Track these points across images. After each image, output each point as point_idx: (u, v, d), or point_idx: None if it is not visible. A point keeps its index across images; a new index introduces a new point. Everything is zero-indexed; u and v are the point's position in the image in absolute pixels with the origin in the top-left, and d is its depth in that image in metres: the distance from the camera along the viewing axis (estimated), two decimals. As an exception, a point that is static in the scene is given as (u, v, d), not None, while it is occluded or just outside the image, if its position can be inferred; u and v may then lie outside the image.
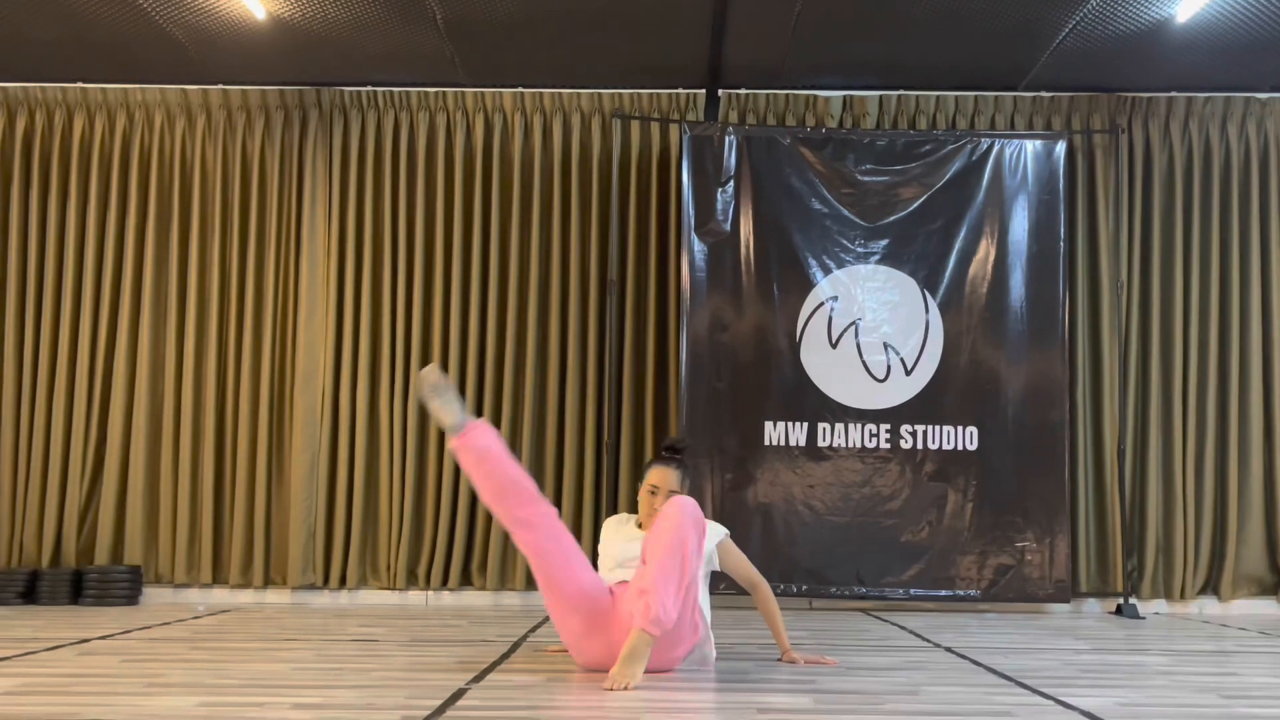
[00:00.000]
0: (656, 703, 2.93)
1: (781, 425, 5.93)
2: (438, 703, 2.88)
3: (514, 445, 6.16)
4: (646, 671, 3.25)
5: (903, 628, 5.02)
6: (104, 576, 5.94)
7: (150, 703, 2.85)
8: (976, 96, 6.30)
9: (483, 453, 3.36)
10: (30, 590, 5.93)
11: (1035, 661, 3.89)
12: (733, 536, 3.82)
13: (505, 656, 3.82)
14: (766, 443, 5.92)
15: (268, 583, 6.14)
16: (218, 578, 6.16)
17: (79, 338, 6.22)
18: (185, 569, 6.12)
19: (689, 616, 3.40)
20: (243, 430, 6.18)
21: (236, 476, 6.16)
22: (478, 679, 3.30)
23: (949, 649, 4.23)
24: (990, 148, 6.06)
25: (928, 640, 4.52)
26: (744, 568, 3.83)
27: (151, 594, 6.10)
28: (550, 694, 3.06)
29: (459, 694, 3.01)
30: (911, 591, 5.86)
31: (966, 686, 3.29)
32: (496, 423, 6.18)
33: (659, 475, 3.76)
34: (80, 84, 6.32)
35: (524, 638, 4.44)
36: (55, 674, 3.35)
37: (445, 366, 6.19)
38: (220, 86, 6.32)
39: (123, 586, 5.94)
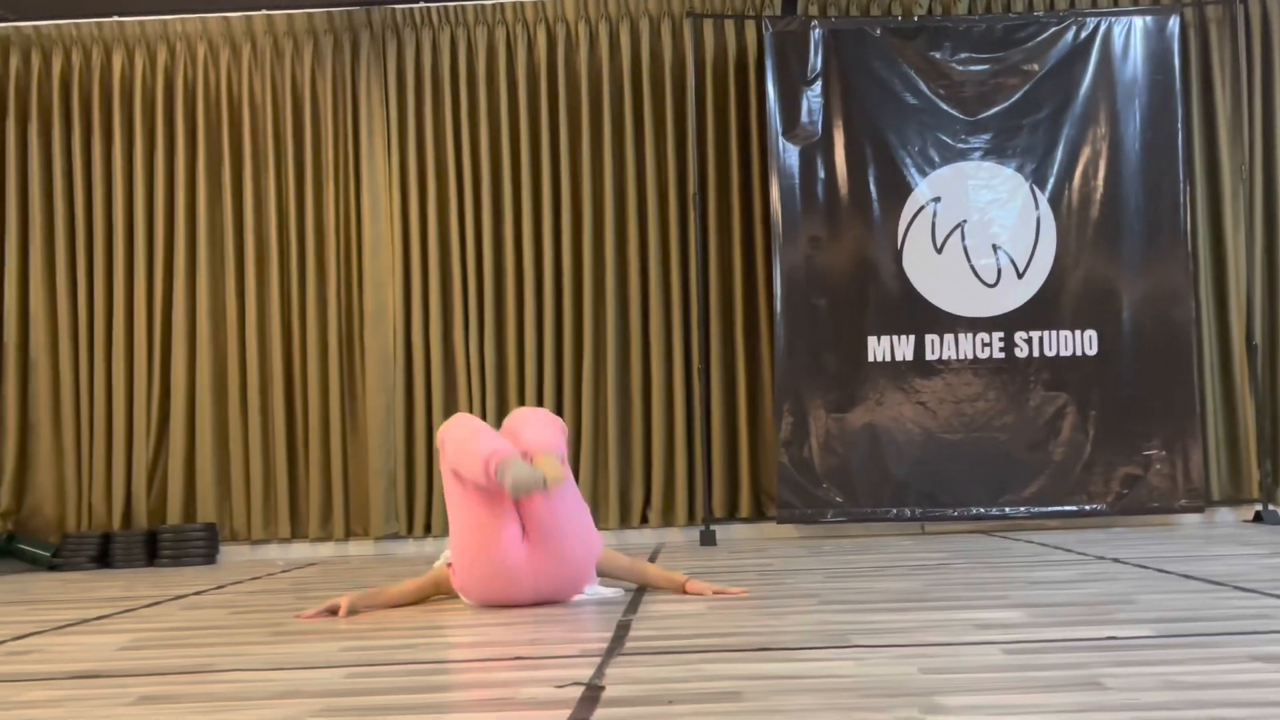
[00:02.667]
0: (862, 624, 2.58)
1: (886, 340, 5.53)
2: (608, 634, 2.54)
3: (598, 377, 5.81)
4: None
5: (1043, 544, 4.66)
6: (179, 536, 5.65)
7: (287, 649, 2.52)
8: (1077, -26, 5.83)
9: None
10: (103, 554, 5.64)
11: (1226, 567, 3.52)
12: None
13: (641, 589, 3.48)
14: (871, 359, 5.53)
15: (349, 534, 5.84)
16: (296, 532, 5.85)
17: (134, 288, 5.88)
18: (261, 524, 5.82)
19: (579, 510, 3.20)
20: (312, 376, 5.84)
21: (309, 425, 5.83)
22: (631, 610, 2.97)
23: (1116, 559, 3.87)
24: (1096, 28, 5.59)
25: (1084, 554, 4.15)
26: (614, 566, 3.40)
27: (228, 552, 5.80)
28: (724, 619, 2.72)
29: (624, 626, 2.67)
30: (1033, 509, 5.49)
31: (1182, 593, 2.93)
32: (578, 353, 5.83)
33: None
34: (116, 18, 5.93)
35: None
36: (167, 628, 3.03)
37: (520, 296, 5.84)
38: (264, 12, 5.92)
39: (199, 545, 5.64)
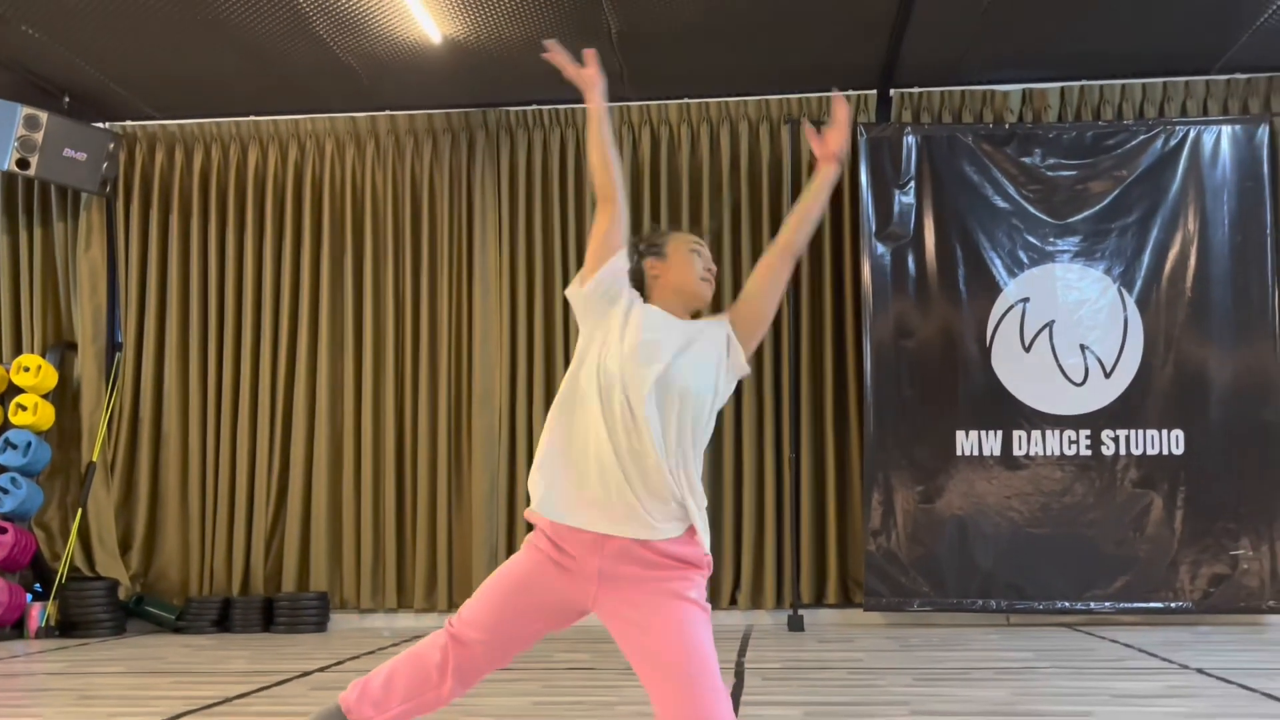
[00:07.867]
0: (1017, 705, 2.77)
1: (974, 434, 5.70)
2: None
3: (693, 462, 6.03)
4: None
5: (1127, 645, 4.76)
6: (294, 604, 5.99)
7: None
8: (1166, 83, 5.99)
9: None
10: (223, 618, 6.00)
11: (1309, 684, 3.62)
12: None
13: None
14: (959, 453, 5.69)
15: (452, 606, 6.12)
16: (402, 602, 6.16)
17: (260, 368, 6.29)
18: (370, 594, 6.14)
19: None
20: (422, 453, 6.17)
21: (418, 500, 6.16)
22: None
23: (1200, 669, 3.97)
24: (1185, 136, 5.75)
25: (1169, 660, 4.26)
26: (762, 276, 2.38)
27: (338, 619, 6.12)
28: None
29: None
30: (1119, 605, 5.58)
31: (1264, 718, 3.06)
32: (674, 439, 6.06)
33: (691, 240, 2.36)
34: (253, 117, 6.40)
35: (742, 653, 4.31)
36: (301, 712, 3.31)
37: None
38: (388, 112, 6.35)
39: (312, 613, 5.97)
